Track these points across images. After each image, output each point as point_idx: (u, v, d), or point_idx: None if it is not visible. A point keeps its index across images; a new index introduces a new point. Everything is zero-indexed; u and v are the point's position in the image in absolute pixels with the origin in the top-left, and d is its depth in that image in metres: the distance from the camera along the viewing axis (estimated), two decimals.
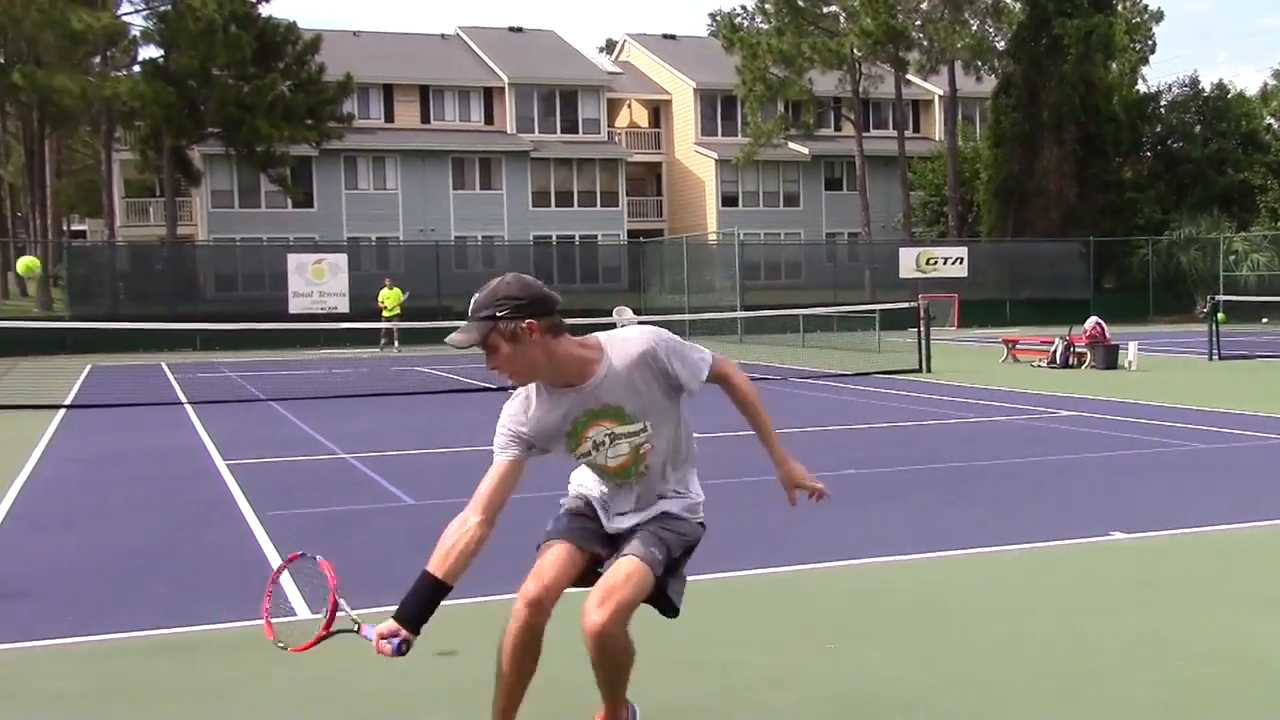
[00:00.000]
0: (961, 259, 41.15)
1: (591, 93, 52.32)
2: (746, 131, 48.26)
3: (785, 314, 30.25)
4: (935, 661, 4.91)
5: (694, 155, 53.17)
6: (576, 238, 49.27)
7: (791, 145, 50.81)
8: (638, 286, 41.82)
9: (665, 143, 55.56)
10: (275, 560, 6.94)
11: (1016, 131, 43.35)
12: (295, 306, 33.51)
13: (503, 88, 51.09)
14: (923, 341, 20.92)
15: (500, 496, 3.39)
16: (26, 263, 20.04)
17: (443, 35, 56.14)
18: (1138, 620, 5.50)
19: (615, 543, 3.59)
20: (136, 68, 42.02)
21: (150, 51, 41.55)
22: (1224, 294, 33.75)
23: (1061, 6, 42.72)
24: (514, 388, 3.53)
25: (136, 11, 41.54)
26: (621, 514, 3.60)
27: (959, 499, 8.69)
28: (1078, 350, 21.32)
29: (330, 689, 4.62)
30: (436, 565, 3.31)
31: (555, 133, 51.32)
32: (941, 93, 50.93)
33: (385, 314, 30.39)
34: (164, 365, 26.67)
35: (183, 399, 18.15)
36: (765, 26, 47.40)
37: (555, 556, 3.49)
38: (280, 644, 3.57)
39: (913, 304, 23.46)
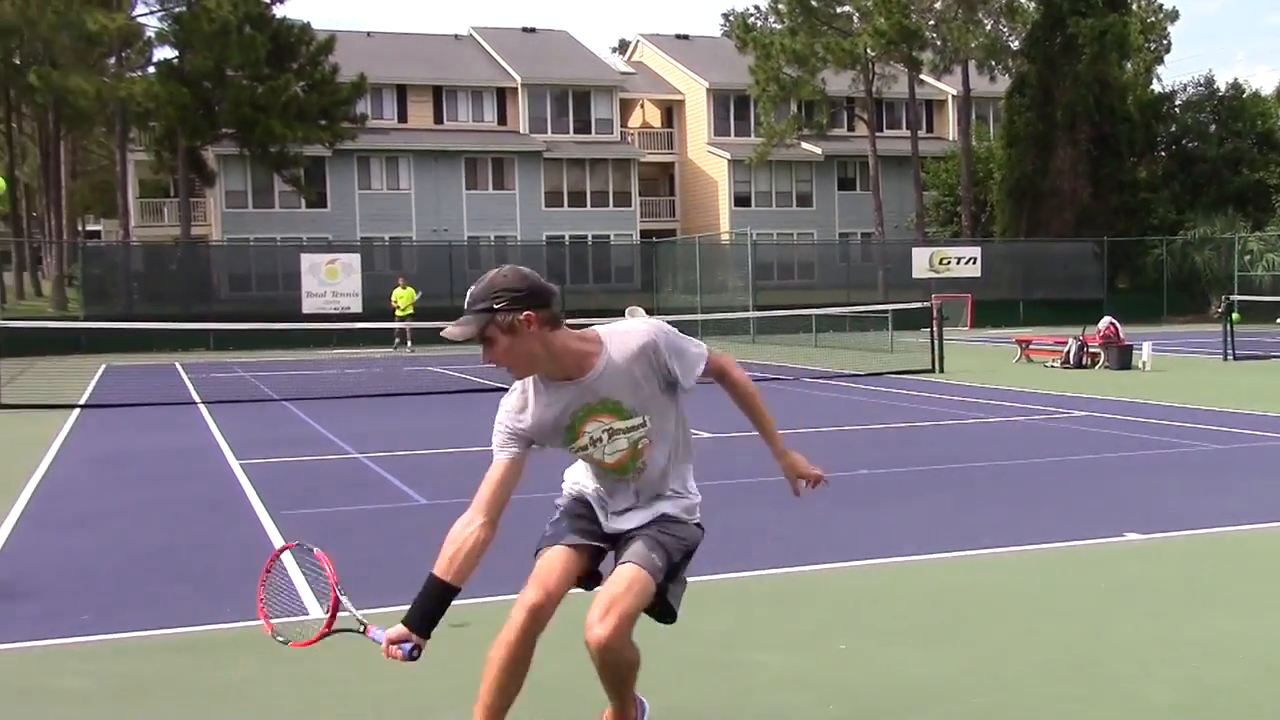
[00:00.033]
0: (975, 259, 41.04)
1: (604, 93, 52.35)
2: (759, 131, 48.21)
3: (798, 314, 30.21)
4: (949, 662, 4.89)
5: (707, 155, 53.15)
6: (589, 238, 49.29)
7: (804, 145, 50.77)
8: (650, 286, 41.80)
9: (678, 143, 55.55)
10: (288, 560, 6.94)
11: (1030, 131, 43.22)
12: (308, 306, 33.58)
13: (516, 88, 51.14)
14: (936, 342, 20.87)
15: (502, 496, 3.36)
16: None
17: (456, 36, 56.23)
18: (1152, 621, 5.48)
19: (614, 542, 3.55)
20: (151, 69, 42.17)
21: (165, 52, 41.76)
22: (1239, 294, 33.61)
23: (1076, 6, 42.57)
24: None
25: (151, 13, 41.70)
26: (620, 512, 3.55)
27: (972, 499, 8.67)
28: (1091, 350, 21.26)
29: (340, 688, 4.62)
30: (444, 568, 3.29)
31: (568, 133, 51.36)
32: (955, 92, 50.83)
33: (398, 313, 30.45)
34: (178, 365, 26.76)
35: (196, 399, 18.20)
36: (779, 26, 47.37)
37: (555, 562, 3.43)
38: (281, 639, 3.56)
39: (926, 304, 23.39)
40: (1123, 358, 20.80)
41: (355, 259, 35.58)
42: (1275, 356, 22.92)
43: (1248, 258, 41.70)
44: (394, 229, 46.48)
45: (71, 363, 26.75)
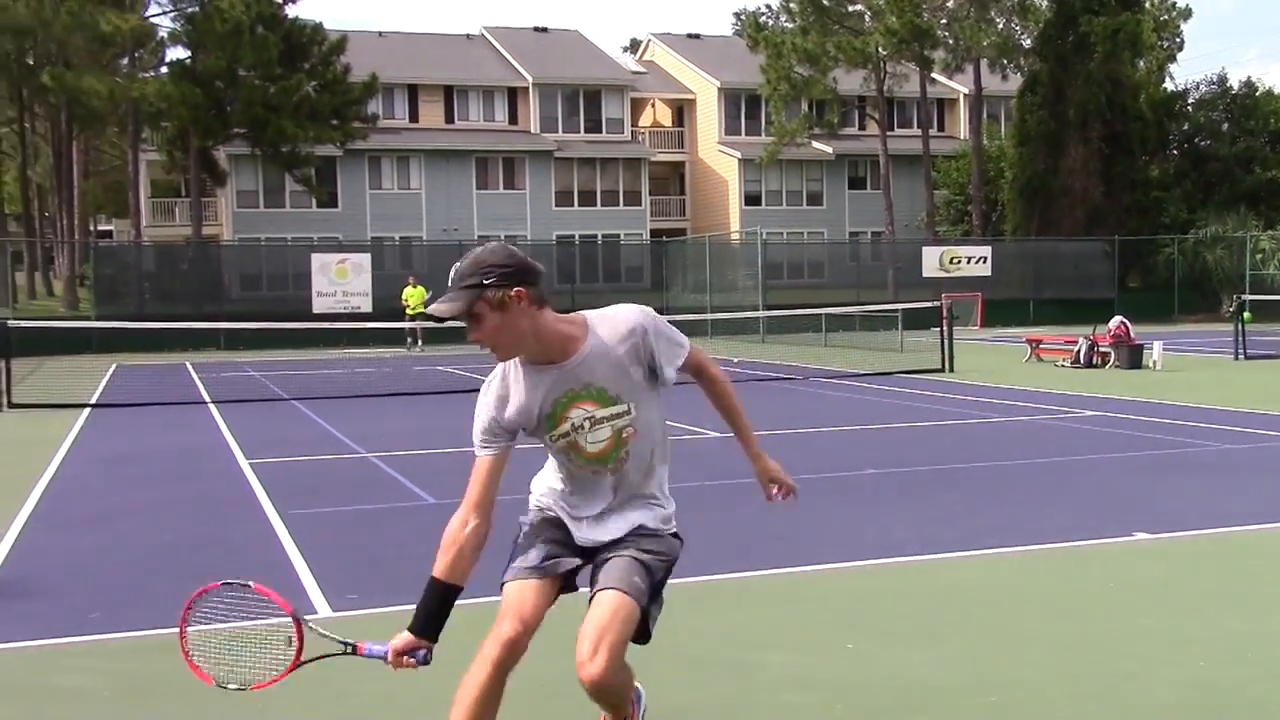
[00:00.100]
0: (985, 258, 40.95)
1: (615, 92, 52.35)
2: (770, 130, 48.18)
3: (808, 313, 30.19)
4: (956, 662, 4.89)
5: (717, 154, 53.13)
6: (599, 237, 49.31)
7: (815, 144, 50.71)
8: (660, 286, 41.82)
9: (688, 142, 55.54)
10: (298, 559, 6.98)
11: (1042, 130, 43.11)
12: (319, 306, 33.64)
13: (527, 87, 51.18)
14: (945, 341, 20.85)
15: (491, 493, 3.30)
16: None
17: (467, 35, 56.29)
18: (1159, 620, 5.48)
19: (587, 555, 3.42)
20: (164, 69, 42.27)
21: (178, 53, 41.87)
22: (1250, 293, 33.52)
23: (1089, 4, 42.46)
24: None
25: (164, 13, 41.82)
26: (595, 517, 3.42)
27: (981, 499, 8.66)
28: (1102, 350, 21.22)
29: (341, 687, 4.63)
30: (445, 570, 3.25)
31: (579, 132, 51.37)
32: (967, 91, 50.73)
33: (409, 313, 30.50)
34: (188, 365, 26.83)
35: (206, 398, 18.25)
36: (790, 25, 47.34)
37: (527, 593, 3.29)
38: (233, 686, 3.34)
39: (936, 303, 23.37)
40: (1133, 357, 20.75)
41: (366, 259, 35.64)
42: None
43: (1259, 257, 41.55)
44: (404, 228, 46.55)
45: (82, 362, 26.83)
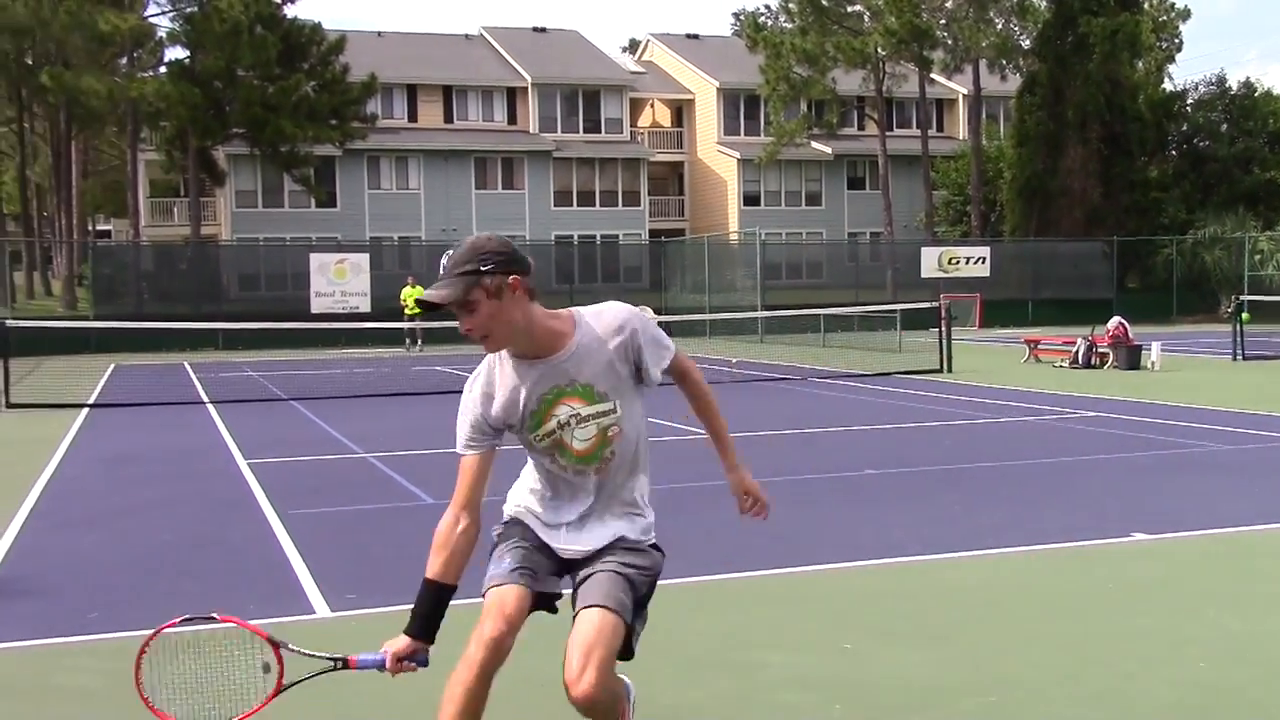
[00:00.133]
0: (984, 259, 40.97)
1: (614, 92, 52.35)
2: (769, 131, 48.20)
3: (806, 314, 30.20)
4: (954, 662, 4.90)
5: (716, 155, 53.14)
6: (598, 237, 49.31)
7: (814, 144, 50.71)
8: (659, 286, 41.84)
9: (687, 142, 55.55)
10: (297, 559, 6.98)
11: (1041, 130, 43.13)
12: (317, 306, 33.64)
13: (526, 87, 51.17)
14: (944, 341, 20.86)
15: (479, 492, 3.28)
16: None
17: (466, 35, 56.29)
18: (1160, 620, 5.48)
19: (567, 566, 3.37)
20: (163, 69, 42.26)
21: (176, 52, 41.88)
22: (1249, 294, 33.48)
23: (1088, 5, 42.49)
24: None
25: (163, 13, 41.85)
26: (575, 523, 3.35)
27: (980, 499, 8.66)
28: (1100, 350, 21.22)
29: (342, 686, 4.63)
30: (438, 571, 3.23)
31: (578, 132, 51.37)
32: (966, 91, 50.74)
33: (408, 312, 30.48)
34: (186, 365, 26.82)
35: (205, 398, 18.25)
36: (789, 26, 47.36)
37: (509, 595, 3.22)
38: None
39: (934, 304, 23.38)
40: (1131, 358, 20.77)
41: (364, 259, 35.65)
42: None
43: (1258, 257, 41.57)
44: (403, 229, 46.55)
45: (81, 362, 26.81)
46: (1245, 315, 23.37)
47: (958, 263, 40.48)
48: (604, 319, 3.28)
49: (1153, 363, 20.61)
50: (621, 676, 3.49)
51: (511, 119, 51.32)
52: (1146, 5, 50.28)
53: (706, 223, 51.77)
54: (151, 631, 3.20)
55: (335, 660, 3.21)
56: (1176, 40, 56.76)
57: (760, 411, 14.93)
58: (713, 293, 37.09)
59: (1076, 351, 21.40)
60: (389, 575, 6.53)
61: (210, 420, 15.05)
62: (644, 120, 55.91)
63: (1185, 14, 56.57)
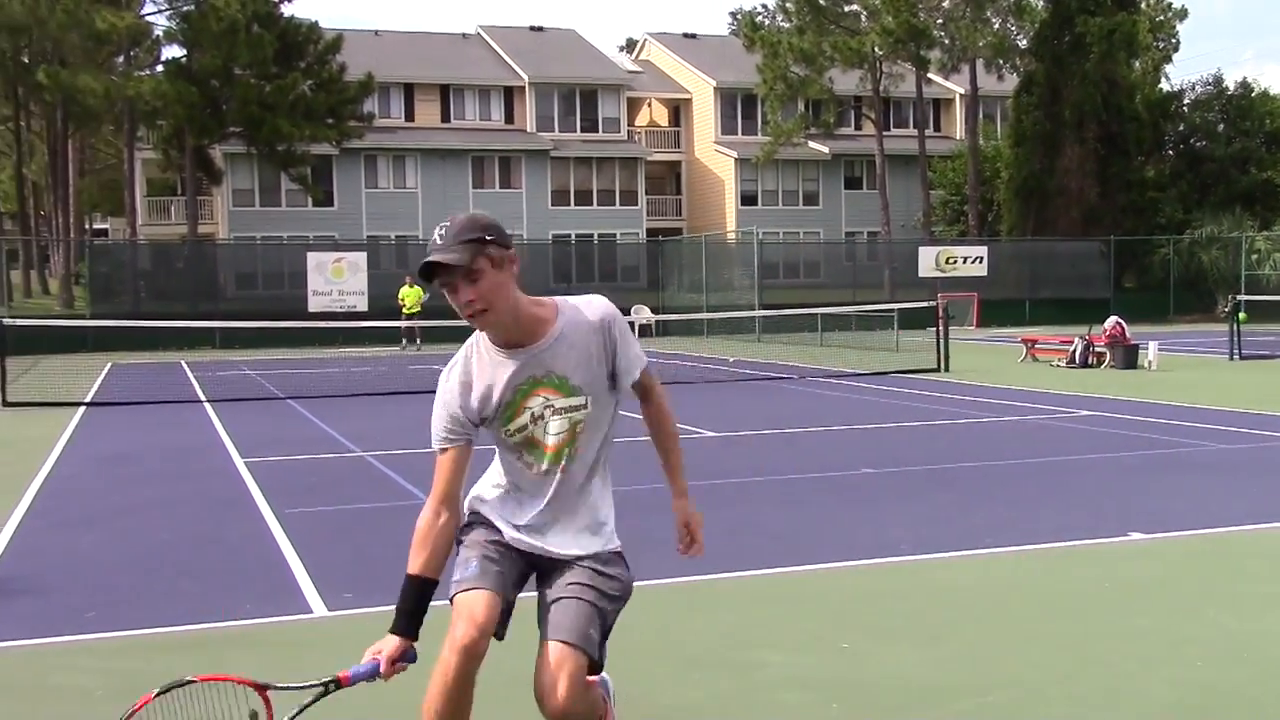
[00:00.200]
0: (981, 258, 41.00)
1: (611, 92, 52.35)
2: (766, 130, 48.19)
3: (803, 313, 30.20)
4: (952, 661, 4.90)
5: (714, 154, 53.14)
6: (595, 236, 49.30)
7: (811, 144, 50.71)
8: (656, 285, 41.85)
9: (685, 141, 55.55)
10: (294, 558, 6.98)
11: (1038, 130, 43.16)
12: (314, 305, 33.61)
13: (523, 87, 51.16)
14: (941, 341, 20.87)
15: (457, 485, 3.26)
16: None
17: (463, 35, 56.26)
18: (1155, 620, 5.48)
19: (535, 564, 3.32)
20: (159, 67, 42.28)
21: (173, 51, 41.89)
22: (1245, 293, 33.53)
23: (1085, 4, 42.52)
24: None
25: (160, 11, 41.80)
26: (538, 522, 3.29)
27: (977, 499, 8.67)
28: (1097, 350, 21.24)
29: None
30: (421, 566, 3.21)
31: (575, 132, 51.37)
32: (963, 91, 50.76)
33: (405, 311, 30.48)
34: (183, 363, 26.80)
35: (202, 397, 18.24)
36: (786, 25, 47.35)
37: (478, 599, 3.17)
38: None
39: (932, 303, 23.39)
40: (1128, 357, 20.78)
41: (361, 258, 35.60)
42: None
43: (1255, 257, 41.61)
44: (400, 228, 46.51)
45: (78, 361, 26.81)
46: (1242, 315, 23.39)
47: (955, 262, 40.50)
48: (585, 311, 3.25)
49: (1150, 362, 20.62)
50: (602, 675, 3.46)
51: (509, 118, 51.31)
52: (1143, 5, 50.26)
53: (704, 222, 51.78)
54: (128, 711, 3.05)
55: (327, 684, 3.15)
56: (1173, 40, 56.73)
57: (757, 411, 14.94)
58: (710, 292, 37.08)
59: (1073, 351, 21.41)
60: (386, 574, 6.52)
61: (207, 419, 15.04)
62: (641, 119, 55.90)
63: (1182, 14, 56.56)
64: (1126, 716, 4.27)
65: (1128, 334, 21.37)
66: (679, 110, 55.93)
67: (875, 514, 8.12)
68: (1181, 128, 48.10)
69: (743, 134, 52.92)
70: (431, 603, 3.23)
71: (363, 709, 4.22)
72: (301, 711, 3.14)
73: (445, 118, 50.49)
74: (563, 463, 3.26)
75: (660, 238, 47.22)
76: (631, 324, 30.49)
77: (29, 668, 5.09)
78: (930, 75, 48.26)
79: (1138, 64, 47.79)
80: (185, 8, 39.41)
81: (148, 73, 41.61)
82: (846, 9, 46.45)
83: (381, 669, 3.17)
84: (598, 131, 51.64)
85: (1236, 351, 22.21)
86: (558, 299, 3.27)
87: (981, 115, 49.75)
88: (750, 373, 21.28)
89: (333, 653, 4.16)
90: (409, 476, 10.02)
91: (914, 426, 13.21)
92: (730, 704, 4.46)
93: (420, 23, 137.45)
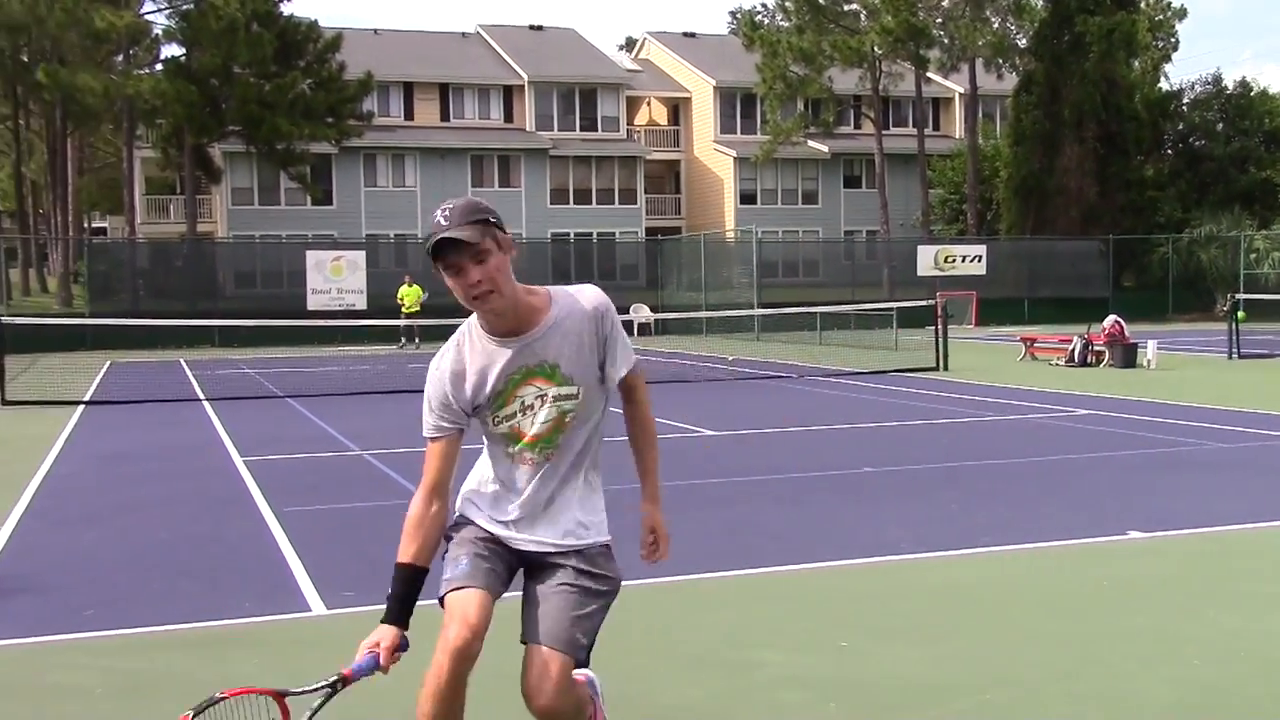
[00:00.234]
0: (980, 257, 41.01)
1: (611, 91, 52.34)
2: (765, 129, 48.20)
3: (802, 312, 30.20)
4: (951, 660, 4.90)
5: (713, 153, 53.14)
6: (594, 235, 49.30)
7: (810, 143, 50.70)
8: (655, 284, 41.85)
9: (684, 140, 55.55)
10: (293, 556, 6.98)
11: (1037, 129, 43.17)
12: (313, 304, 33.60)
13: (522, 86, 51.14)
14: (940, 340, 20.86)
15: (448, 475, 3.26)
16: None
17: (463, 34, 56.23)
18: (1154, 619, 5.48)
19: (523, 559, 3.29)
20: (159, 66, 42.25)
21: (172, 50, 41.85)
22: (1244, 292, 33.53)
23: (1084, 4, 42.53)
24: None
25: (159, 10, 41.78)
26: (524, 515, 3.27)
27: (975, 497, 8.67)
28: (1096, 349, 21.24)
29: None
30: (413, 555, 3.21)
31: (574, 130, 51.36)
32: (962, 90, 50.76)
33: (405, 310, 30.49)
34: (182, 362, 26.79)
35: (201, 396, 18.23)
36: (785, 24, 47.37)
37: (470, 599, 3.14)
38: None
39: (931, 302, 23.39)
40: (1127, 356, 20.78)
41: (360, 256, 35.60)
42: None
43: (1254, 256, 41.64)
44: (399, 226, 46.48)
45: (77, 359, 26.81)
46: (1241, 314, 23.41)
47: (954, 261, 40.51)
48: (578, 300, 3.23)
49: (1149, 361, 20.63)
50: (585, 674, 3.45)
51: (508, 117, 51.30)
52: (1143, 4, 50.28)
53: (703, 221, 51.78)
54: None
55: (334, 683, 3.15)
56: (1173, 39, 56.78)
57: (756, 409, 14.93)
58: (709, 291, 37.09)
59: (1072, 350, 21.41)
60: (385, 573, 6.48)
61: (206, 417, 15.04)
62: (640, 119, 55.90)
63: (1181, 13, 56.59)
64: (1126, 716, 4.27)
65: (1127, 333, 21.38)
66: (678, 109, 55.93)
67: (875, 513, 8.12)
68: (1180, 127, 48.12)
69: (742, 133, 52.92)
70: (420, 601, 3.22)
71: (363, 709, 4.22)
72: (313, 715, 3.14)
73: (444, 117, 50.48)
74: (550, 452, 3.24)
75: (659, 237, 47.24)
76: (631, 323, 30.55)
77: (28, 666, 5.09)
78: (929, 74, 48.26)
79: (1137, 63, 47.81)
80: (184, 6, 39.39)
81: (147, 71, 41.60)
82: (846, 8, 46.45)
83: (382, 660, 3.16)
84: (597, 130, 51.64)
85: (1235, 351, 22.21)
86: (550, 288, 3.26)
87: (981, 114, 49.75)
88: (749, 372, 21.28)
89: (332, 651, 4.16)
90: (408, 475, 10.01)
91: (913, 425, 13.21)
92: (729, 703, 4.46)
93: (420, 22, 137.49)
